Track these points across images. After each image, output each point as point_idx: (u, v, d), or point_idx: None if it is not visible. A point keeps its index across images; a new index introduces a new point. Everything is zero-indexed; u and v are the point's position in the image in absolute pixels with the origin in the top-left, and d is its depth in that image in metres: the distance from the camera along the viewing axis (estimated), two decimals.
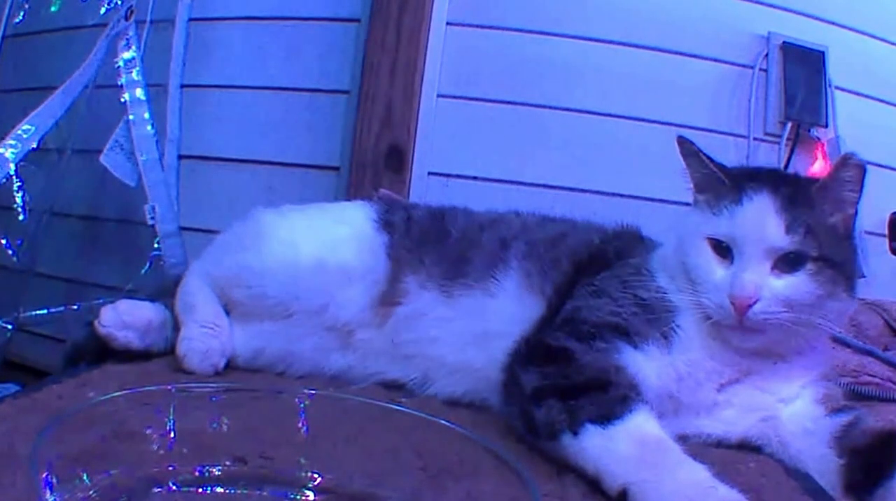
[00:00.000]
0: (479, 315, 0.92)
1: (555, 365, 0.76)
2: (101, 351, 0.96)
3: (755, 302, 0.78)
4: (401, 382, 0.94)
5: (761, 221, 0.80)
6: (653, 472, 0.64)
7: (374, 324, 0.96)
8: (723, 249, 0.82)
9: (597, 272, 0.90)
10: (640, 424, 0.69)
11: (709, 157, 0.87)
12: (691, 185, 0.89)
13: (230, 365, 0.97)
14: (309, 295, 0.96)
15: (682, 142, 0.88)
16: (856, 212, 0.85)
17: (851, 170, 0.82)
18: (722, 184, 0.85)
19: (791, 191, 0.82)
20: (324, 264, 0.97)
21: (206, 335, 0.95)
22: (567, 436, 0.69)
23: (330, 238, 1.00)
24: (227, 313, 1.00)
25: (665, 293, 0.84)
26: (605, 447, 0.67)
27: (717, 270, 0.81)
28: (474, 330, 0.91)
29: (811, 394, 0.83)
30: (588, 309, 0.84)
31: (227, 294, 1.00)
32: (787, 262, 0.79)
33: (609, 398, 0.71)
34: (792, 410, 0.83)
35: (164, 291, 1.05)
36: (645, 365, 0.79)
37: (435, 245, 0.99)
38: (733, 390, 0.83)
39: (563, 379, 0.74)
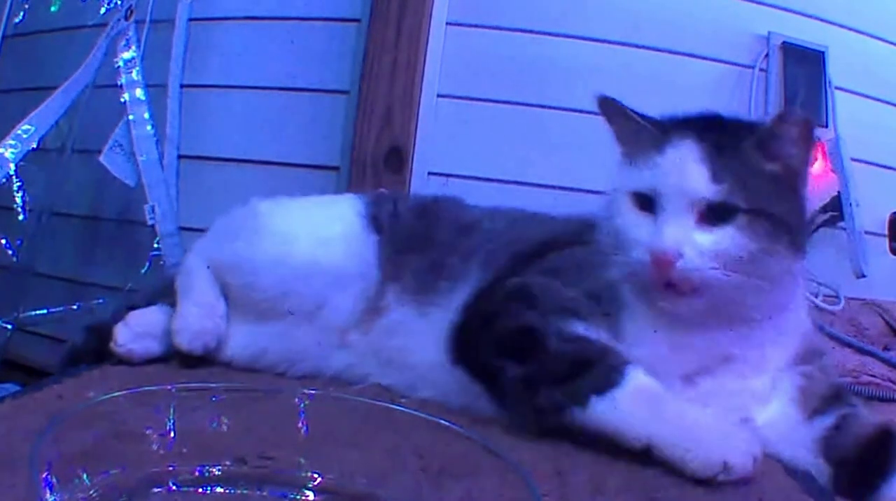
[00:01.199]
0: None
1: (528, 353, 0.76)
2: (99, 355, 0.95)
3: (678, 259, 0.72)
4: (390, 387, 0.92)
5: (684, 170, 0.74)
6: (670, 424, 0.69)
7: (361, 330, 0.95)
8: (647, 204, 0.76)
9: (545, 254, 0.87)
10: (641, 383, 0.72)
11: (635, 111, 0.82)
12: (618, 144, 0.84)
13: (231, 366, 0.97)
14: (300, 294, 0.95)
15: (605, 101, 0.82)
16: (804, 164, 0.78)
17: (794, 126, 0.76)
18: (647, 134, 0.80)
19: (721, 137, 0.76)
20: (316, 263, 0.96)
21: (200, 315, 0.95)
22: (577, 410, 0.72)
23: (322, 235, 0.99)
24: (226, 296, 0.99)
25: (610, 280, 0.79)
26: (614, 413, 0.70)
27: (639, 226, 0.76)
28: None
29: (787, 392, 0.79)
30: (539, 287, 0.81)
31: (222, 278, 0.99)
32: (716, 215, 0.73)
33: (600, 371, 0.72)
34: (768, 414, 0.78)
35: (164, 291, 1.05)
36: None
37: (416, 253, 0.96)
38: (704, 387, 0.78)
39: (546, 368, 0.75)
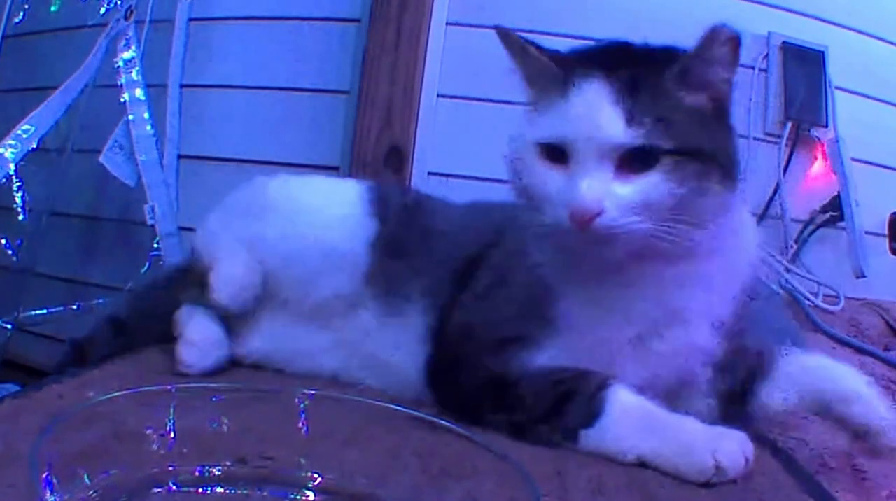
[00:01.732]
0: (410, 344, 0.86)
1: (503, 400, 0.75)
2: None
3: (599, 215, 0.65)
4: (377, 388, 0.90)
5: (594, 114, 0.66)
6: (659, 437, 0.69)
7: (342, 319, 0.93)
8: (558, 155, 0.68)
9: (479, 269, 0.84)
10: (624, 403, 0.71)
11: (535, 45, 0.73)
12: (525, 86, 0.76)
13: (238, 363, 0.96)
14: (304, 278, 0.93)
15: (503, 33, 0.74)
16: (731, 88, 0.74)
17: (724, 46, 0.71)
18: (550, 73, 0.71)
19: (633, 73, 0.68)
20: (320, 244, 0.93)
21: (239, 271, 0.93)
22: (568, 443, 0.72)
23: (329, 215, 0.96)
24: None
25: (539, 266, 0.75)
26: (605, 438, 0.71)
27: (551, 181, 0.68)
28: (414, 361, 0.85)
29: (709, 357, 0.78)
30: (483, 324, 0.79)
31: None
32: (636, 161, 0.66)
33: (581, 404, 0.72)
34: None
35: (159, 294, 1.04)
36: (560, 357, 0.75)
37: (389, 257, 0.93)
38: (654, 348, 0.75)
39: (528, 413, 0.74)
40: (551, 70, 0.71)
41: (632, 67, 0.69)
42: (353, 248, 0.93)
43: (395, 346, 0.87)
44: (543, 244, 0.76)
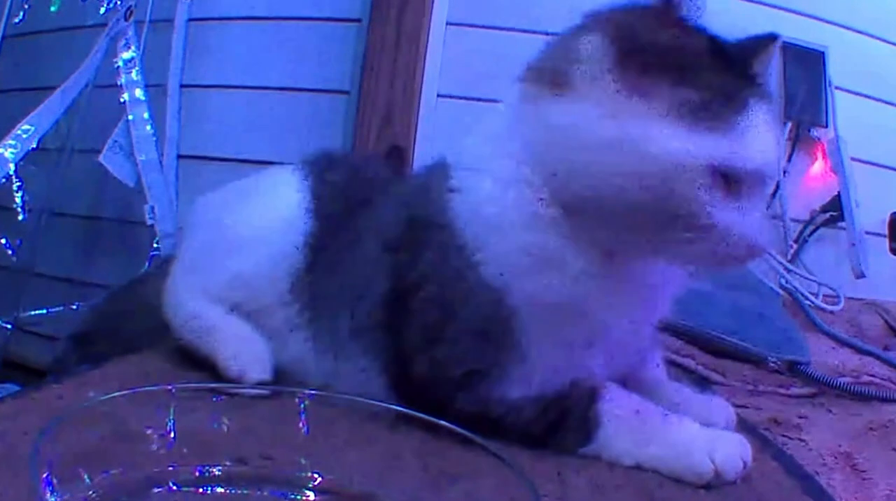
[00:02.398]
0: (371, 383, 0.75)
1: (496, 428, 0.69)
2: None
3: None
4: None
5: (771, 141, 0.59)
6: (656, 443, 0.68)
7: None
8: (725, 182, 0.59)
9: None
10: (619, 412, 0.70)
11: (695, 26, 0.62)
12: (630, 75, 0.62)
13: None
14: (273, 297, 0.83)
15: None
16: None
17: None
18: (708, 75, 0.59)
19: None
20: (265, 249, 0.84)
21: (252, 344, 0.82)
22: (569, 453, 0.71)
23: (266, 215, 0.87)
24: None
25: (498, 282, 0.67)
26: (602, 451, 0.70)
27: (722, 211, 0.58)
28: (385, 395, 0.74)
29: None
30: (444, 361, 0.71)
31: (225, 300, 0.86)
32: None
33: (573, 425, 0.70)
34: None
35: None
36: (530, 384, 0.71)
37: (318, 267, 0.81)
38: (634, 330, 0.73)
39: (523, 437, 0.71)
40: (708, 69, 0.59)
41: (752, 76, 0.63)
42: (281, 248, 0.82)
43: (353, 387, 0.76)
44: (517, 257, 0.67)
